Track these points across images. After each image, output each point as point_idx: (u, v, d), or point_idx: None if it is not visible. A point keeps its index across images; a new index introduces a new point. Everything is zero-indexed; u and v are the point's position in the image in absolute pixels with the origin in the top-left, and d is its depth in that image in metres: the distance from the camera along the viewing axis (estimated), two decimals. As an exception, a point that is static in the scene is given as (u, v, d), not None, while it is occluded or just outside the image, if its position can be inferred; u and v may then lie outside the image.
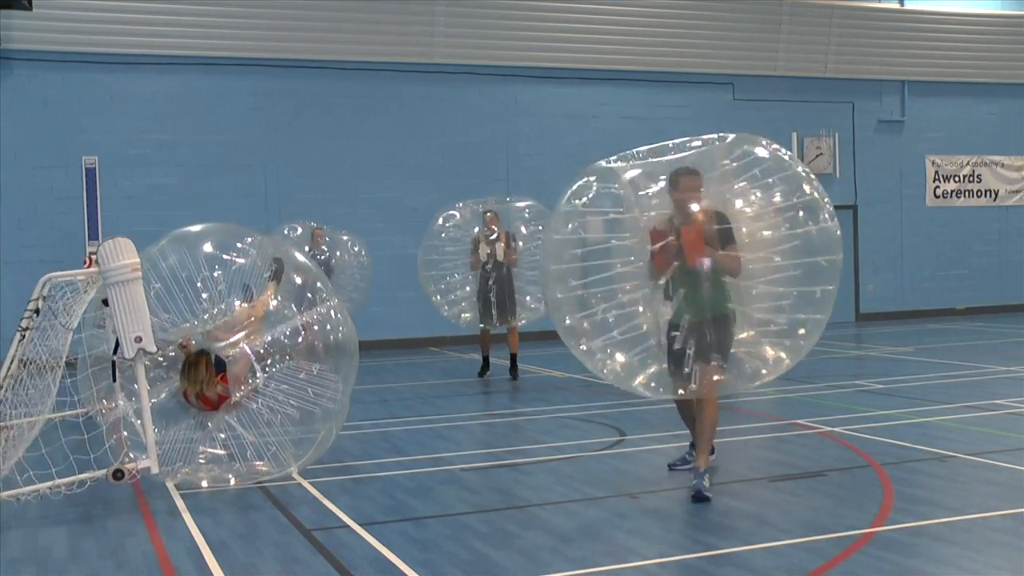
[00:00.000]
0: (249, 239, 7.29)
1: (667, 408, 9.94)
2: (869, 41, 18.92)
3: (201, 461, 7.08)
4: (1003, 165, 20.36)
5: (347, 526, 5.93)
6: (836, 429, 8.40)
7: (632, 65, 17.61)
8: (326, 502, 6.50)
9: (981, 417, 8.85)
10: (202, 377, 6.99)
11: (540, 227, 11.99)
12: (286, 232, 13.99)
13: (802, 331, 6.16)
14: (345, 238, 14.34)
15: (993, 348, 13.94)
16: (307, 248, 13.61)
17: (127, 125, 15.14)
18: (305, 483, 7.02)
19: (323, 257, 13.78)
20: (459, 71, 16.75)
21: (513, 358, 12.32)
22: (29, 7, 13.53)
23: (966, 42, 19.66)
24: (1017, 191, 20.53)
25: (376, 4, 16.04)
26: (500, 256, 11.81)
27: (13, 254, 14.55)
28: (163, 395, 7.22)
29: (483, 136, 17.02)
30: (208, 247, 7.13)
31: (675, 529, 5.77)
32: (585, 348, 6.45)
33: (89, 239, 14.76)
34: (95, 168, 14.92)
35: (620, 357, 6.32)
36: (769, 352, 6.22)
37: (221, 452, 7.11)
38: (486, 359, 12.62)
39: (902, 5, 19.26)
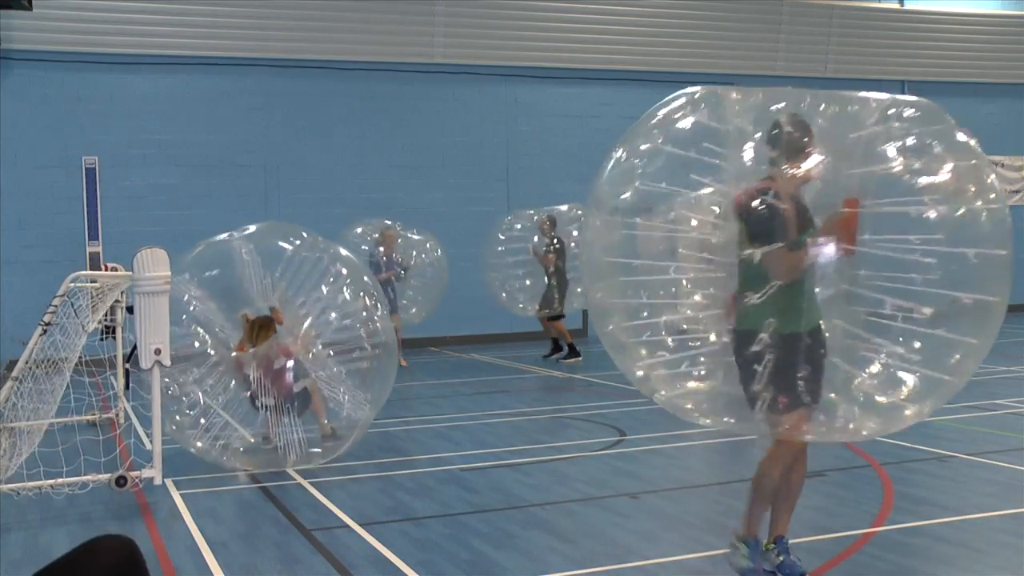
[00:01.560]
0: (304, 234, 8.09)
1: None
2: (869, 41, 18.92)
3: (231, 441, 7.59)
4: (1003, 165, 20.34)
5: (347, 526, 5.93)
6: (836, 429, 8.39)
7: (632, 65, 17.61)
8: (326, 502, 6.50)
9: (981, 417, 8.84)
10: (269, 335, 7.67)
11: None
12: (359, 231, 14.02)
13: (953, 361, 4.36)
14: (416, 237, 14.30)
15: (993, 348, 13.87)
16: (381, 249, 13.62)
17: (127, 125, 15.14)
18: (305, 483, 7.03)
19: (397, 258, 13.72)
20: (459, 71, 16.74)
21: (552, 341, 14.34)
22: (29, 7, 13.51)
23: (966, 42, 19.66)
24: (1017, 191, 20.51)
25: (376, 4, 16.04)
26: (531, 256, 14.01)
27: (13, 254, 14.54)
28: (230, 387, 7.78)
29: (483, 136, 17.01)
30: (275, 241, 8.12)
31: (675, 529, 5.77)
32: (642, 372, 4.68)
33: (89, 239, 14.76)
34: (95, 168, 14.91)
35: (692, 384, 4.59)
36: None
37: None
38: (553, 340, 14.36)
39: (902, 5, 19.25)
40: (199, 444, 7.49)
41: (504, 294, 14.22)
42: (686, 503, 6.40)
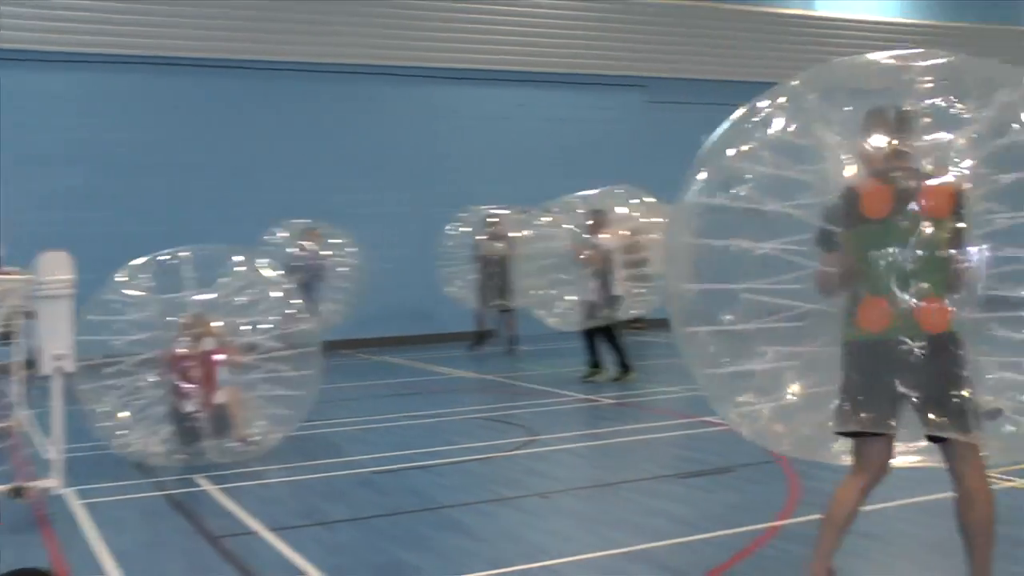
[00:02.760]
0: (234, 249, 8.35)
1: (578, 408, 10.03)
2: (774, 45, 19.32)
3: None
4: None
5: (257, 532, 5.83)
6: (745, 425, 8.53)
7: (548, 67, 17.73)
8: (235, 508, 6.39)
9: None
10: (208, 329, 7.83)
11: None
12: (268, 237, 14.10)
13: None
14: (339, 240, 14.47)
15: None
16: (296, 251, 13.84)
17: (29, 124, 14.59)
18: (213, 489, 6.90)
19: (314, 259, 13.97)
20: (375, 72, 16.64)
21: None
22: (-79, 1, 13.04)
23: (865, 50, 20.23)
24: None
25: (289, 4, 15.97)
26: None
27: (-96, 258, 13.99)
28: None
29: (400, 137, 16.85)
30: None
31: (586, 527, 5.81)
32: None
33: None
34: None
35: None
36: None
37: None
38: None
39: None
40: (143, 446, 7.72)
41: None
42: (598, 502, 6.44)
